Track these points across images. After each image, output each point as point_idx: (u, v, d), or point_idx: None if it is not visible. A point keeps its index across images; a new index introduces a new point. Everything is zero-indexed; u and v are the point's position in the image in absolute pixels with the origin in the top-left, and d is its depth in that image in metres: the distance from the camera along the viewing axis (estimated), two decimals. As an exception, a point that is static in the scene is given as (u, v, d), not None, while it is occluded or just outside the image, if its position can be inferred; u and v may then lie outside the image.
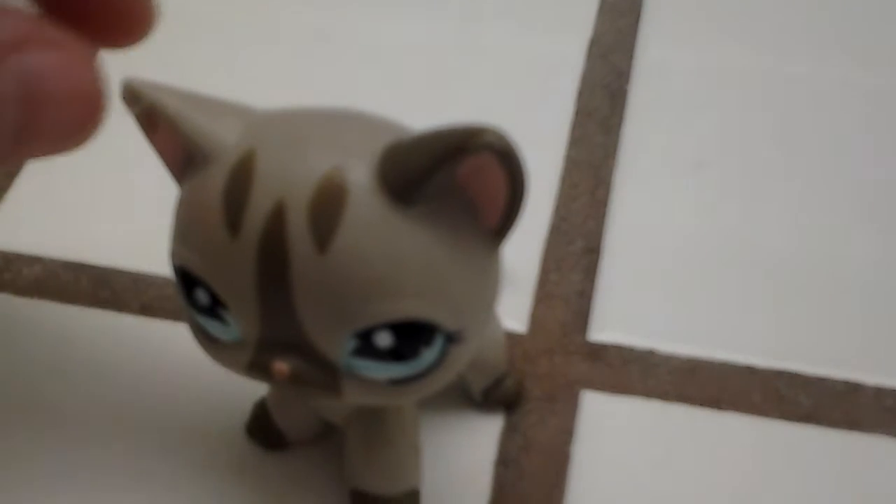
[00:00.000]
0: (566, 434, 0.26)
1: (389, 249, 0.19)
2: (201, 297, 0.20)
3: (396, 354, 0.19)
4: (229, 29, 0.37)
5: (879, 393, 0.27)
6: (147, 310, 0.29)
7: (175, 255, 0.20)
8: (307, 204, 0.19)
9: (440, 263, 0.19)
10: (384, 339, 0.19)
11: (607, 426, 0.26)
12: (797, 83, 0.35)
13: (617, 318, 0.28)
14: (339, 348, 0.19)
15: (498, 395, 0.26)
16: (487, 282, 0.20)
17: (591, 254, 0.30)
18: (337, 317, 0.19)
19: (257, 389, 0.25)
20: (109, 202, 0.32)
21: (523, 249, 0.30)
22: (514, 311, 0.28)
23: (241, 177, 0.19)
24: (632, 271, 0.30)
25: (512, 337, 0.28)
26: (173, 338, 0.28)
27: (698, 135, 0.33)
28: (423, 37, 0.36)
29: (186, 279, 0.20)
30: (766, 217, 0.31)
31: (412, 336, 0.19)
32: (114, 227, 0.31)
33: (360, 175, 0.19)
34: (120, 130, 0.33)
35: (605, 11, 0.37)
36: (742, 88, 0.34)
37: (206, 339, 0.21)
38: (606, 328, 0.28)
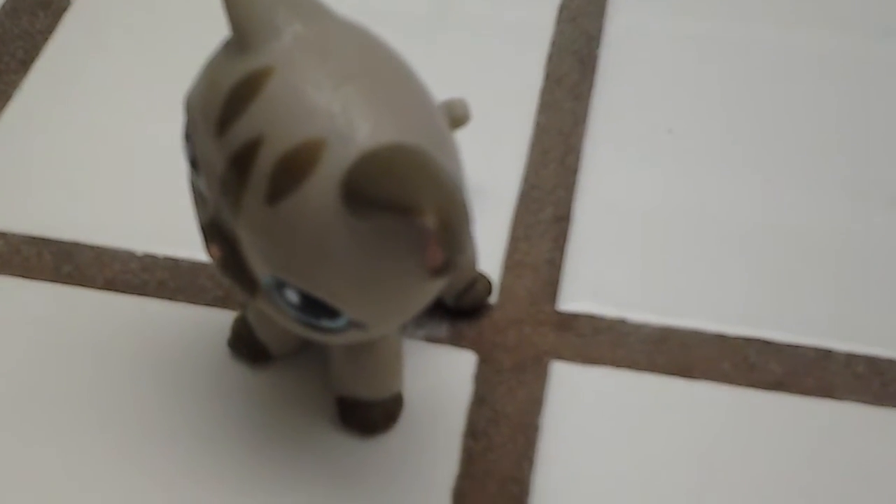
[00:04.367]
0: (535, 405, 0.26)
1: (319, 244, 0.19)
2: (189, 149, 0.21)
3: (301, 308, 0.20)
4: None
5: (850, 359, 0.27)
6: (111, 284, 0.28)
7: (187, 99, 0.21)
8: (279, 156, 0.19)
9: (361, 276, 0.19)
10: (292, 296, 0.20)
11: (577, 397, 0.26)
12: (768, 50, 0.34)
13: (587, 287, 0.28)
14: (261, 275, 0.20)
15: (470, 298, 0.27)
16: (408, 302, 0.20)
17: (560, 222, 0.30)
18: (261, 258, 0.20)
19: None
20: (72, 176, 0.31)
21: (492, 217, 0.30)
22: (482, 281, 0.28)
23: (247, 91, 0.19)
24: (602, 239, 0.29)
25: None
26: (138, 313, 0.28)
27: (669, 101, 0.33)
28: (394, 3, 0.36)
29: (186, 125, 0.21)
30: (736, 184, 0.31)
31: (316, 306, 0.20)
32: (76, 201, 0.30)
33: (335, 161, 0.18)
34: (85, 103, 0.33)
35: (575, -25, 0.36)
36: (713, 54, 0.34)
37: (193, 187, 0.22)
38: (576, 297, 0.28)
